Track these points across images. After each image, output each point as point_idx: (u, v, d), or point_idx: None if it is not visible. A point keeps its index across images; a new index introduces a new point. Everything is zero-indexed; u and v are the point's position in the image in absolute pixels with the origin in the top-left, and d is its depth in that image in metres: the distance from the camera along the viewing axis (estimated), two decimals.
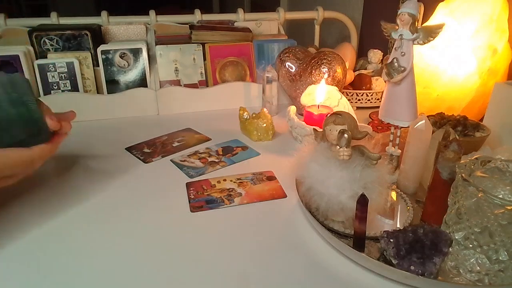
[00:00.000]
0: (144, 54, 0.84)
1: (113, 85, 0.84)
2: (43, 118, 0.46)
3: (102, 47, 0.81)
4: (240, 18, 1.00)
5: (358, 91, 0.87)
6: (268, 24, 1.03)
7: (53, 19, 0.91)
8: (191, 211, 0.51)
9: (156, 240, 0.46)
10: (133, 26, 0.92)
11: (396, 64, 0.66)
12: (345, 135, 0.41)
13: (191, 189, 0.56)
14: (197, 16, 0.99)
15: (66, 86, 0.81)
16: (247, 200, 0.54)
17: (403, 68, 0.66)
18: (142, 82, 0.85)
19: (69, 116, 0.52)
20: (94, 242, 0.45)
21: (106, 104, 0.82)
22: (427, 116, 0.57)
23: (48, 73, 0.80)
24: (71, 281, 0.40)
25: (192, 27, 0.90)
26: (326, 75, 0.77)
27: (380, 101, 0.78)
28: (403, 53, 0.66)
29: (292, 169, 0.50)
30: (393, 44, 0.68)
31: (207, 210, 0.52)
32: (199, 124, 0.80)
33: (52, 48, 0.82)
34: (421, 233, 0.39)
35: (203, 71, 0.89)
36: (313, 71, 0.78)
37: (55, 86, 0.81)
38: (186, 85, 0.87)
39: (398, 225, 0.47)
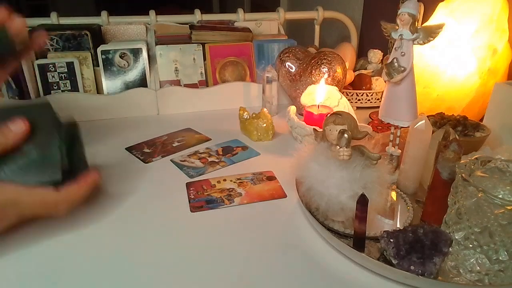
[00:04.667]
0: (144, 54, 0.84)
1: (113, 85, 0.84)
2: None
3: (102, 47, 0.81)
4: (240, 18, 1.00)
5: (358, 91, 0.87)
6: (268, 24, 1.03)
7: (53, 19, 0.91)
8: (191, 211, 0.51)
9: (156, 240, 0.46)
10: (133, 26, 0.92)
11: (396, 64, 0.66)
12: (345, 135, 0.41)
13: (191, 189, 0.56)
14: (197, 16, 0.99)
15: (66, 86, 0.81)
16: (247, 200, 0.54)
17: (403, 68, 0.66)
18: (142, 82, 0.85)
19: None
20: (92, 241, 0.45)
21: (106, 104, 0.82)
22: (427, 116, 0.57)
23: (48, 73, 0.80)
24: (72, 281, 0.40)
25: (192, 27, 0.90)
26: (326, 75, 0.76)
27: (380, 101, 0.78)
28: (403, 53, 0.66)
29: (292, 169, 0.50)
30: (393, 44, 0.68)
31: (207, 210, 0.52)
32: (199, 124, 0.80)
33: (52, 48, 0.82)
34: (421, 233, 0.39)
35: (203, 71, 0.89)
36: (313, 71, 0.78)
37: (55, 86, 0.81)
38: (186, 85, 0.87)
39: (398, 225, 0.47)
